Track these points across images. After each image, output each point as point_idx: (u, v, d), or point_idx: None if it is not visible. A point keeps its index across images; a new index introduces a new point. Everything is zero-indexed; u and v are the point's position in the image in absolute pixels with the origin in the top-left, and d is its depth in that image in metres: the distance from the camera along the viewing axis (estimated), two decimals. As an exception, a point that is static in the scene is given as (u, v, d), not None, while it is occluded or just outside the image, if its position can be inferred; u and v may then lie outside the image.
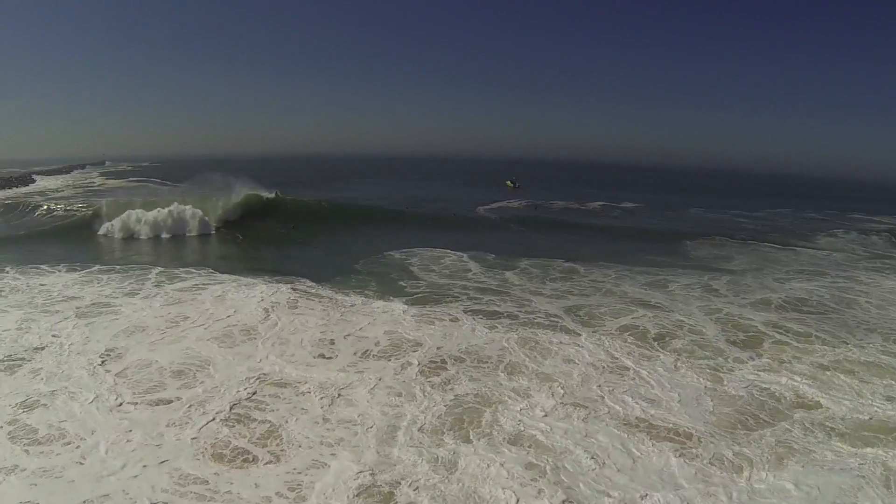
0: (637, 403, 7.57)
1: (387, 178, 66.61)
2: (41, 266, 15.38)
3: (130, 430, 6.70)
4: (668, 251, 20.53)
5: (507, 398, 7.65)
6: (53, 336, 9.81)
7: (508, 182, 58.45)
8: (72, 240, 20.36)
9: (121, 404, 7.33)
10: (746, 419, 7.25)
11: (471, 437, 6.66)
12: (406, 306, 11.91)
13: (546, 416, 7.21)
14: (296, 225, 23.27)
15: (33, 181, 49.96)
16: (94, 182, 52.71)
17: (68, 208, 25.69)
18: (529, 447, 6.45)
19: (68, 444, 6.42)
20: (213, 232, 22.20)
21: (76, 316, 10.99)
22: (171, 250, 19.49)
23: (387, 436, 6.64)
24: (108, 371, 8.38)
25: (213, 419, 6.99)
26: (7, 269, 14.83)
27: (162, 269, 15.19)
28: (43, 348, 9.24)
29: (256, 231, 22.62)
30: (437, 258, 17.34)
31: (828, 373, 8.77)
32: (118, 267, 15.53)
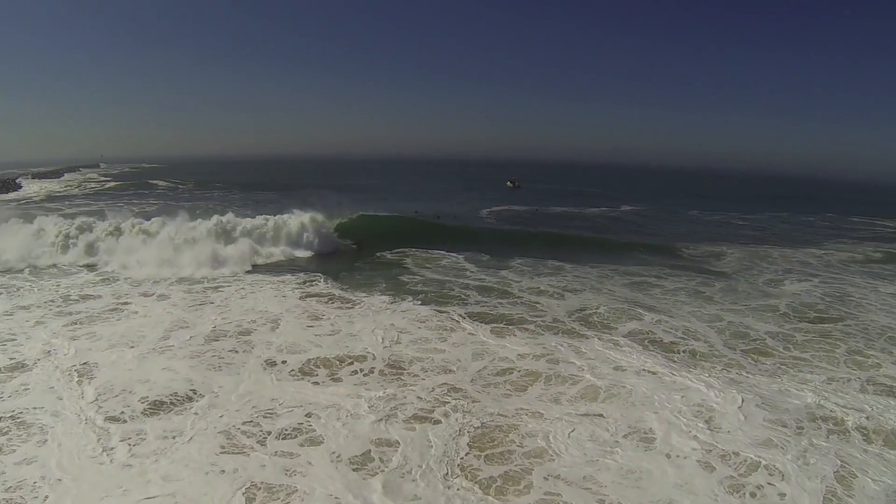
0: (694, 431, 7.07)
1: (388, 181, 66.04)
2: (60, 265, 15.78)
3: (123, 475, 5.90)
4: (664, 254, 20.46)
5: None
6: (50, 347, 9.36)
7: (509, 182, 59.45)
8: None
9: (112, 449, 6.38)
10: (806, 438, 6.95)
11: (518, 483, 5.96)
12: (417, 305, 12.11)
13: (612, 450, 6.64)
14: None
15: (19, 187, 45.97)
16: (89, 187, 49.21)
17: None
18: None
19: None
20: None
21: (80, 322, 10.73)
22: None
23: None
24: (92, 399, 7.55)
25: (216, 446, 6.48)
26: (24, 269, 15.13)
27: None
28: (38, 360, 8.79)
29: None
30: (435, 259, 17.52)
31: (870, 388, 8.58)
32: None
